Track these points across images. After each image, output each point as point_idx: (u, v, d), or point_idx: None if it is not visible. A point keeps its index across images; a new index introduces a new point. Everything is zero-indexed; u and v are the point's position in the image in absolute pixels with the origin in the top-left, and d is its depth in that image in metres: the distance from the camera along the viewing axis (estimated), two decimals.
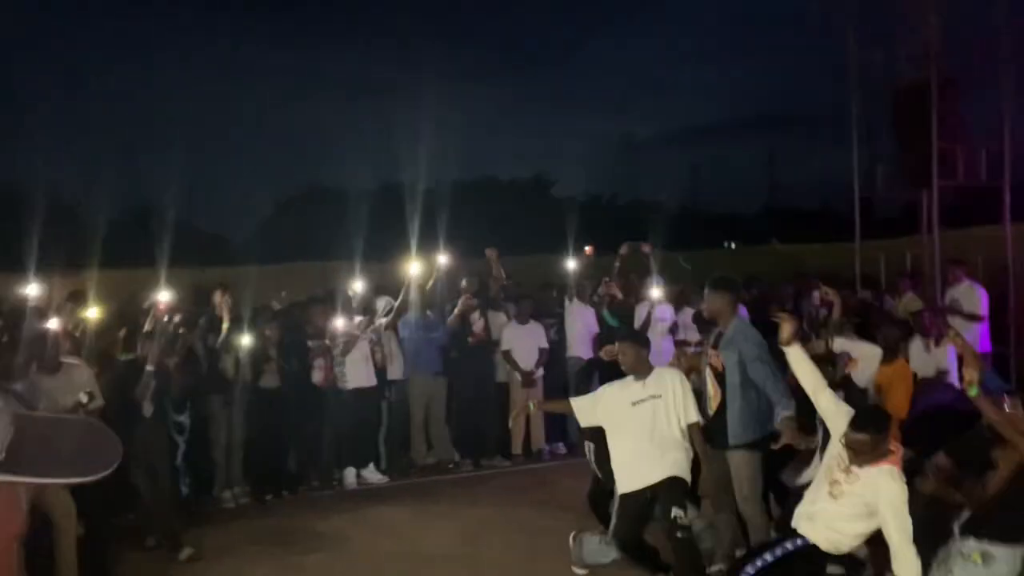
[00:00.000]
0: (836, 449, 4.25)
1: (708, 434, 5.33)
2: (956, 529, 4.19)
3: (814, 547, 4.24)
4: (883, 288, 10.32)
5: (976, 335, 8.61)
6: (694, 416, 5.30)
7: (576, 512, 6.84)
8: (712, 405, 5.35)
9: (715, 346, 5.39)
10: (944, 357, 7.20)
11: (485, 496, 7.82)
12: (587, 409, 5.50)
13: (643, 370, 5.35)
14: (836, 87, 12.12)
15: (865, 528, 4.19)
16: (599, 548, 5.62)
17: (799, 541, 4.28)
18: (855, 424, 4.11)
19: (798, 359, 4.61)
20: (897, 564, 3.97)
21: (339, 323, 8.13)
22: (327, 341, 8.05)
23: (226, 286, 8.13)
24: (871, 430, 4.05)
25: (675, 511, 4.99)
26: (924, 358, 7.34)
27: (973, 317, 8.76)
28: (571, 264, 10.07)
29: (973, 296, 8.89)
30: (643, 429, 5.21)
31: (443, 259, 8.91)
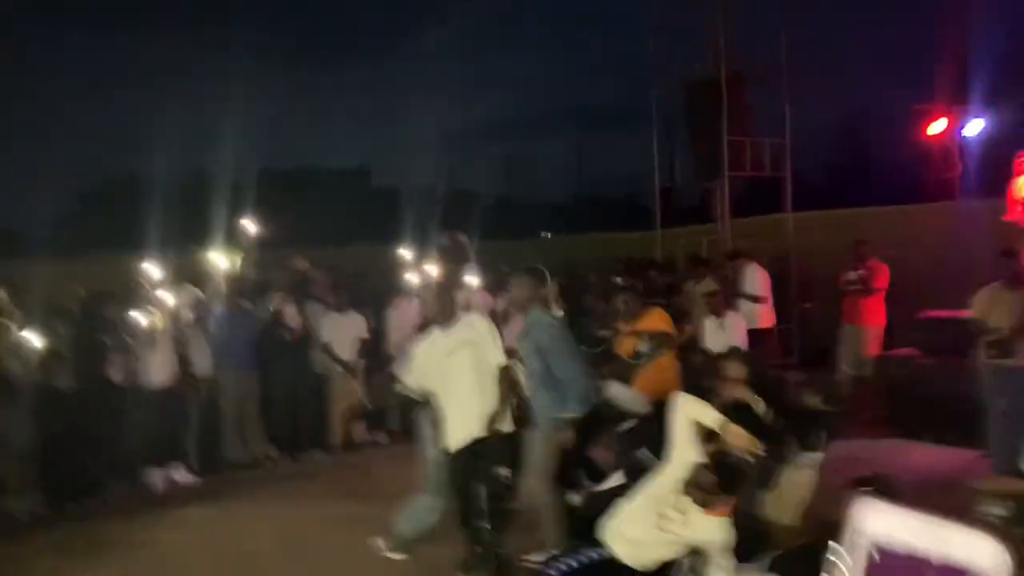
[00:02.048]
0: (674, 482, 4.21)
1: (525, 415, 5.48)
2: None
3: (619, 563, 4.26)
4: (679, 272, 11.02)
5: (759, 314, 9.45)
6: (502, 358, 5.34)
7: (396, 500, 6.92)
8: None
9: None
10: (733, 333, 7.91)
11: (302, 491, 7.71)
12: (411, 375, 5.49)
13: (449, 319, 5.36)
14: (638, 83, 12.78)
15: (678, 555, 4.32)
16: (420, 511, 5.61)
17: (604, 553, 4.29)
18: (714, 478, 4.07)
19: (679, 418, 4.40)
20: None
21: (139, 318, 7.74)
22: (125, 337, 7.65)
23: (11, 283, 7.56)
24: (725, 486, 4.07)
25: (500, 470, 5.10)
26: (718, 334, 8.07)
27: (757, 298, 9.58)
28: (404, 254, 10.08)
29: (756, 279, 9.69)
30: (464, 378, 5.23)
31: (249, 229, 8.59)
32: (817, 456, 5.21)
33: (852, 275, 9.51)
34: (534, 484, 5.42)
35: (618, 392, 5.65)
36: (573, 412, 5.34)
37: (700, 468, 4.12)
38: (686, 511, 4.12)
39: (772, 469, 4.88)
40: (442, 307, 5.41)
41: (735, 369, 5.43)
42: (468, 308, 8.82)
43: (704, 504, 4.08)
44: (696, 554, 4.27)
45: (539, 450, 5.41)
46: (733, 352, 6.02)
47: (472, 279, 9.64)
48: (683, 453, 4.26)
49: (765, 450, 4.38)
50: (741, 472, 4.24)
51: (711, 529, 4.12)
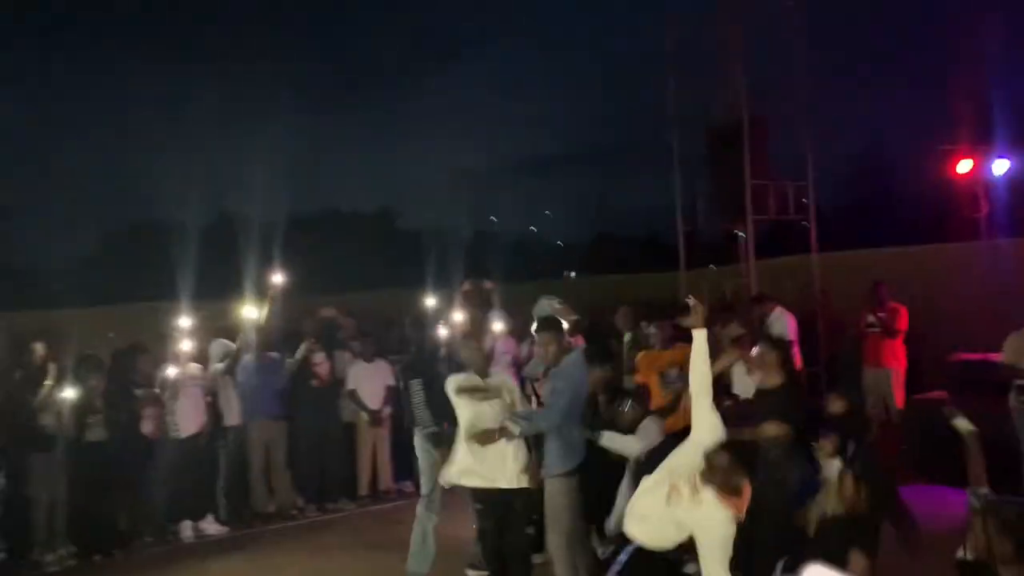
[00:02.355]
0: (691, 459, 4.13)
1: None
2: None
3: (642, 551, 4.20)
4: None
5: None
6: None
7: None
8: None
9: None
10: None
11: (330, 541, 7.70)
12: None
13: (482, 370, 5.71)
14: (659, 125, 12.85)
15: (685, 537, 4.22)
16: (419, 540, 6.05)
17: (629, 549, 4.24)
18: (724, 448, 4.05)
19: (699, 350, 4.40)
20: None
21: (169, 369, 7.82)
22: (156, 389, 7.73)
23: (47, 335, 7.68)
24: (734, 458, 3.99)
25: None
26: (746, 381, 7.94)
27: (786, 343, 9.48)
28: (428, 301, 10.11)
29: (782, 322, 9.62)
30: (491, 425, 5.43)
31: (276, 279, 8.68)
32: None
33: (871, 318, 9.44)
34: (553, 539, 5.39)
35: (611, 439, 5.62)
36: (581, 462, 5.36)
37: (721, 448, 4.04)
38: (699, 490, 4.01)
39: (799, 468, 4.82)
40: (473, 358, 5.65)
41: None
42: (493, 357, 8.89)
43: (721, 488, 3.95)
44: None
45: (557, 502, 5.36)
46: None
47: (497, 325, 9.65)
48: (707, 430, 4.22)
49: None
50: (762, 459, 4.26)
51: (716, 518, 3.96)
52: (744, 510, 3.97)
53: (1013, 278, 9.41)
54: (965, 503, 4.36)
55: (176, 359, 7.95)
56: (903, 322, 9.33)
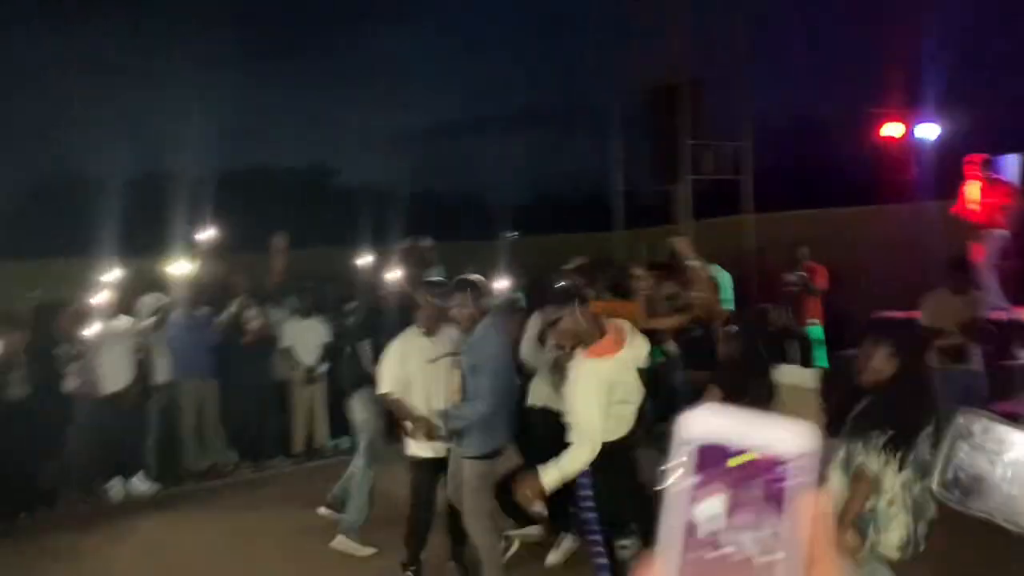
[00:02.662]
0: None
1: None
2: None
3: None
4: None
5: None
6: None
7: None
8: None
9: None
10: None
11: (264, 498, 7.62)
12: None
13: (435, 328, 5.36)
14: (600, 85, 12.83)
15: None
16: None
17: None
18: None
19: None
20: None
21: (95, 325, 7.57)
22: (77, 346, 7.48)
23: None
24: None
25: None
26: None
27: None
28: (365, 259, 9.98)
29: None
30: (438, 387, 5.25)
31: (207, 235, 8.49)
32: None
33: (791, 276, 9.65)
34: (474, 524, 5.08)
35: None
36: (501, 444, 5.13)
37: None
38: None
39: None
40: (427, 316, 5.31)
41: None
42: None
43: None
44: None
45: (472, 484, 5.03)
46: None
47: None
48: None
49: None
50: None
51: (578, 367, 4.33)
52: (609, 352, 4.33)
53: (938, 239, 9.68)
54: None
55: (99, 314, 7.68)
56: (823, 280, 9.55)
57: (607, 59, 12.19)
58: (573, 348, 4.48)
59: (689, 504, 0.52)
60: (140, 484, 7.82)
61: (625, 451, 4.47)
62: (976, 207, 8.92)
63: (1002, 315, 8.29)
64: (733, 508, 0.52)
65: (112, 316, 7.79)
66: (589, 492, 4.43)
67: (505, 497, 5.15)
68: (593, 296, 7.39)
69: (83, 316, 7.63)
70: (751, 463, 0.53)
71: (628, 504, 4.43)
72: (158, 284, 8.73)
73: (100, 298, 7.83)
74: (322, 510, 6.57)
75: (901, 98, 11.62)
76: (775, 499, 0.52)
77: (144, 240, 10.98)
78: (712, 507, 0.52)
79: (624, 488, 4.44)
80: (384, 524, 5.92)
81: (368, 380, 6.19)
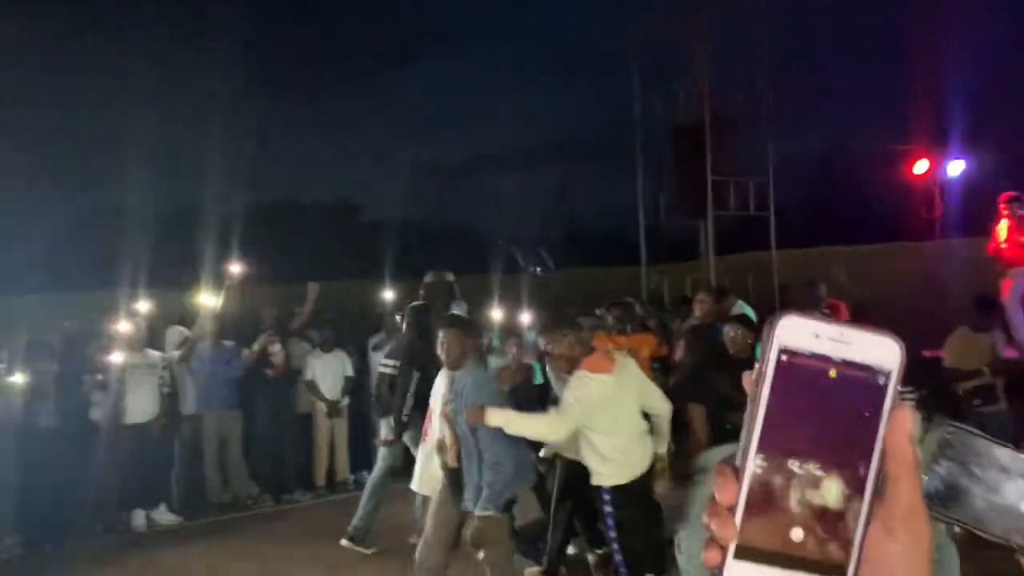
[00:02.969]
0: None
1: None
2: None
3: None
4: (667, 308, 11.08)
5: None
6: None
7: (380, 542, 6.87)
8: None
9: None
10: None
11: (285, 532, 7.63)
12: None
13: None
14: (625, 121, 12.92)
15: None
16: None
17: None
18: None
19: None
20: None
21: (121, 356, 7.68)
22: (99, 376, 7.57)
23: None
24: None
25: None
26: None
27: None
28: (387, 294, 10.10)
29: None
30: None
31: (234, 268, 8.61)
32: None
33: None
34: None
35: None
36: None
37: None
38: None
39: None
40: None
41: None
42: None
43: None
44: None
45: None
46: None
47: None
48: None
49: None
50: None
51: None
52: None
53: (963, 277, 9.60)
54: None
55: (125, 344, 7.80)
56: (844, 318, 9.45)
57: (632, 96, 12.28)
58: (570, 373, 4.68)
59: (773, 414, 0.51)
60: (163, 515, 7.87)
61: (646, 487, 4.51)
62: (1004, 245, 8.85)
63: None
64: (821, 424, 0.50)
65: (139, 348, 7.90)
66: (613, 533, 4.47)
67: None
68: (621, 329, 7.46)
69: (111, 347, 7.75)
70: (849, 374, 0.51)
71: (652, 538, 4.47)
72: (184, 317, 8.86)
73: (127, 330, 7.96)
74: (344, 542, 6.59)
75: (928, 134, 11.60)
76: (873, 411, 0.51)
77: (173, 273, 11.16)
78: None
79: (648, 523, 4.48)
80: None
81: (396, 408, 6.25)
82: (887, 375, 0.51)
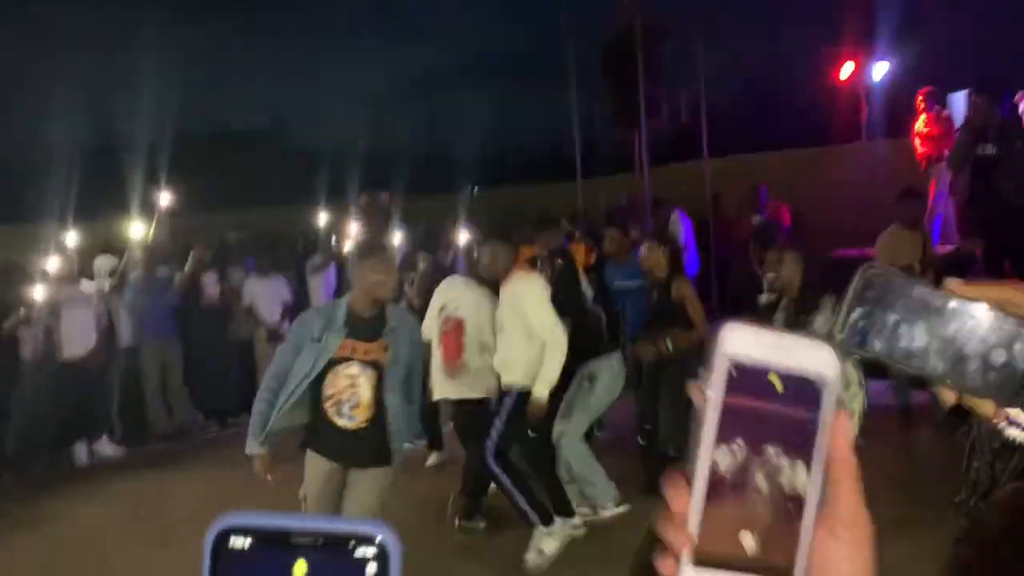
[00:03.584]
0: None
1: None
2: None
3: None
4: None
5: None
6: None
7: None
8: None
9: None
10: None
11: (231, 457, 7.64)
12: None
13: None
14: (555, 35, 12.74)
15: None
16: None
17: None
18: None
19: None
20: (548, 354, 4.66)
21: (51, 290, 7.48)
22: (23, 311, 7.39)
23: None
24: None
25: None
26: None
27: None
28: (323, 217, 10.01)
29: (678, 226, 9.88)
30: None
31: (163, 198, 8.43)
32: None
33: (756, 219, 9.76)
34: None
35: None
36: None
37: None
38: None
39: None
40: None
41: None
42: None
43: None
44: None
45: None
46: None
47: (397, 238, 9.64)
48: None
49: None
50: None
51: (516, 287, 4.88)
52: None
53: (889, 177, 9.84)
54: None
55: (56, 278, 7.60)
56: (786, 219, 9.67)
57: (563, 7, 12.09)
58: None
59: (720, 423, 0.52)
60: (105, 447, 7.83)
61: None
62: (921, 139, 9.06)
63: (949, 249, 8.49)
64: (765, 431, 0.52)
65: (70, 280, 7.70)
66: (501, 429, 4.74)
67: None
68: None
69: (39, 280, 7.55)
70: (788, 383, 0.53)
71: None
72: (113, 247, 8.67)
73: (56, 262, 7.75)
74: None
75: (853, 37, 11.69)
76: (811, 422, 0.52)
77: (101, 205, 10.84)
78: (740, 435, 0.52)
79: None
80: None
81: None
82: (825, 381, 0.53)
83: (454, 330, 5.20)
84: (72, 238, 8.24)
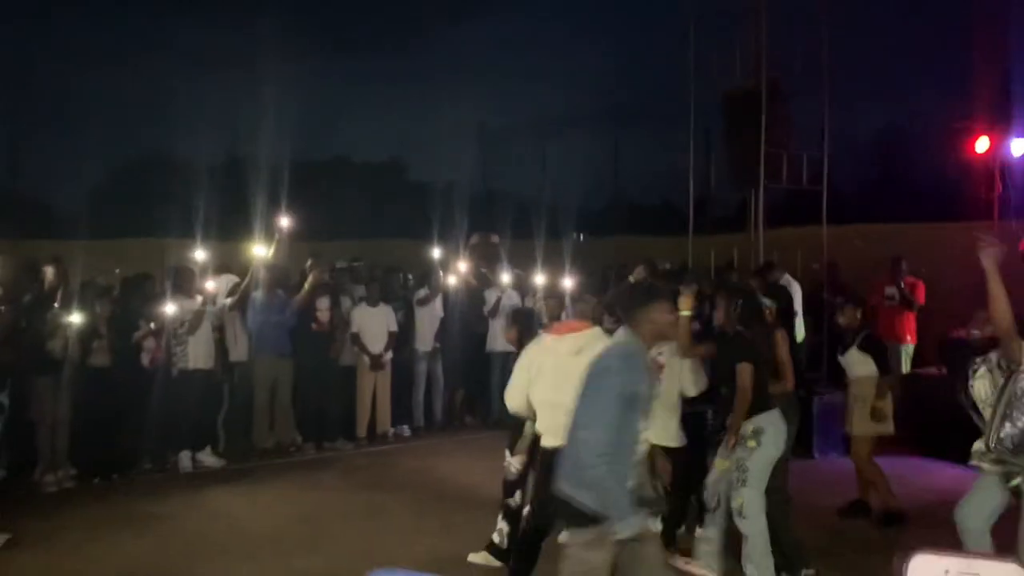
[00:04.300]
0: None
1: None
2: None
3: None
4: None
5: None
6: None
7: (416, 493, 6.99)
8: None
9: None
10: None
11: (326, 479, 7.79)
12: None
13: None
14: (677, 88, 12.70)
15: None
16: None
17: None
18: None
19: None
20: None
21: (174, 303, 7.83)
22: (151, 324, 7.74)
23: (59, 260, 7.77)
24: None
25: None
26: None
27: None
28: (434, 252, 10.23)
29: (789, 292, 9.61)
30: None
31: (284, 220, 8.74)
32: None
33: (891, 290, 9.41)
34: None
35: None
36: None
37: None
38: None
39: None
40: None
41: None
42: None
43: None
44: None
45: None
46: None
47: (504, 277, 9.78)
48: None
49: None
50: None
51: None
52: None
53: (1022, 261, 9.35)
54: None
55: (185, 291, 7.97)
56: (921, 296, 9.32)
57: (685, 61, 12.04)
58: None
59: None
60: (208, 458, 8.08)
61: None
62: None
63: None
64: None
65: (191, 295, 8.04)
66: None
67: None
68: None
69: (166, 292, 7.93)
70: None
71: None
72: (233, 267, 9.02)
73: (183, 275, 8.12)
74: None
75: (990, 111, 11.24)
76: None
77: (223, 224, 11.30)
78: None
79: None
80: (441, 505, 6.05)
81: None
82: None
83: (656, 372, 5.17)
84: (201, 254, 8.60)
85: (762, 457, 4.92)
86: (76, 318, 7.19)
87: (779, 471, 5.05)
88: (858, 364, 6.62)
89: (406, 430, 9.49)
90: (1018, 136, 10.55)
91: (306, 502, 6.98)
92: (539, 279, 9.99)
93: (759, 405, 4.97)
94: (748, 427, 4.95)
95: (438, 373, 9.79)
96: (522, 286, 10.26)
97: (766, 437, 4.93)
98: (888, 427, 6.54)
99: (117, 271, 9.76)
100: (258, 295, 8.48)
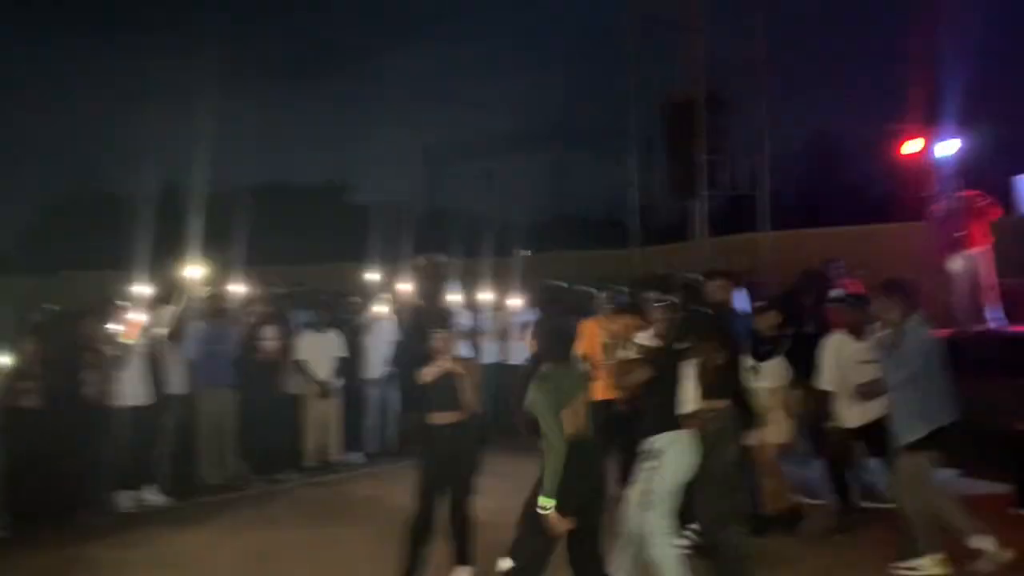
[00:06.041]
0: None
1: None
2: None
3: None
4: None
5: None
6: None
7: (373, 522, 6.82)
8: None
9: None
10: None
11: (278, 512, 7.57)
12: None
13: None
14: (617, 102, 12.82)
15: None
16: None
17: None
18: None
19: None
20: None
21: (112, 335, 7.55)
22: (91, 356, 7.44)
23: None
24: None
25: None
26: None
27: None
28: (373, 275, 10.07)
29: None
30: None
31: (223, 244, 8.54)
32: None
33: (836, 292, 9.52)
34: None
35: None
36: None
37: None
38: None
39: None
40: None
41: None
42: None
43: None
44: None
45: None
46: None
47: (453, 297, 9.66)
48: None
49: None
50: None
51: None
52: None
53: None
54: None
55: (118, 324, 7.67)
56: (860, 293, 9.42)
57: (624, 74, 12.16)
58: None
59: None
60: (152, 496, 7.78)
61: None
62: None
63: None
64: None
65: (128, 326, 7.73)
66: None
67: None
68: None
69: (100, 327, 7.63)
70: None
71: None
72: (175, 297, 8.75)
73: (116, 309, 7.82)
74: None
75: (921, 113, 11.50)
76: None
77: (163, 254, 11.01)
78: None
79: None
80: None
81: None
82: None
83: None
84: (134, 285, 8.31)
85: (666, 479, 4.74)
86: (3, 359, 6.87)
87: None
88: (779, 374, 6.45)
89: (359, 457, 9.29)
90: (949, 136, 10.78)
91: (258, 538, 6.75)
92: (486, 296, 9.93)
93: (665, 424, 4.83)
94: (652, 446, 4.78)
95: (391, 398, 9.61)
96: (472, 305, 10.17)
97: (667, 458, 4.75)
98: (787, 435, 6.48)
99: (53, 305, 9.39)
100: (200, 325, 8.23)
